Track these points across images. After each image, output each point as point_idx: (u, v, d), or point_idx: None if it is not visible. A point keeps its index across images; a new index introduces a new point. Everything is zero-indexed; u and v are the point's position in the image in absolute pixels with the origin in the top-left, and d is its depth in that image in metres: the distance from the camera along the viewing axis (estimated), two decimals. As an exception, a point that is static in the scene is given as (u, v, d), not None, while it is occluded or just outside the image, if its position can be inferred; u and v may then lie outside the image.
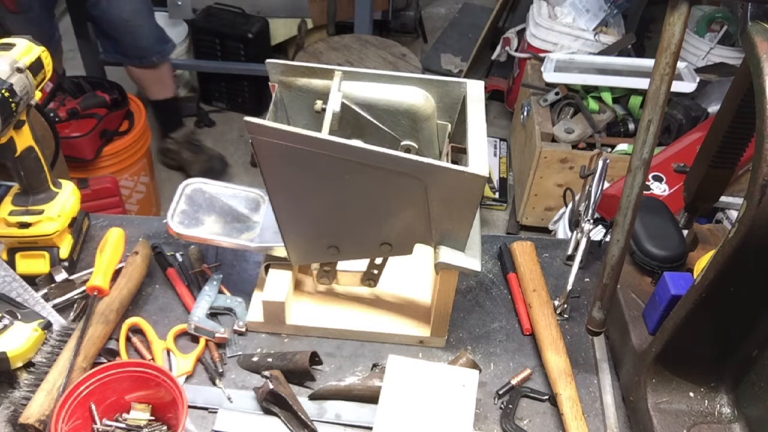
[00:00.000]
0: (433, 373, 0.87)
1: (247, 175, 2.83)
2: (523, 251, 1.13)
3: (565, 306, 1.07)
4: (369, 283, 1.06)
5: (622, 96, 2.51)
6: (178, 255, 1.12)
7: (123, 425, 0.86)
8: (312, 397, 0.94)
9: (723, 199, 1.03)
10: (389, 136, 0.97)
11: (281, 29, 3.14)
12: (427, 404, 0.84)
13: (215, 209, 1.06)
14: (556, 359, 0.96)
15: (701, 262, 1.00)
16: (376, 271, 1.05)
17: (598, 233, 1.18)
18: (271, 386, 0.90)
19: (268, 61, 0.95)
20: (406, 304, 1.06)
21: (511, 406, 0.94)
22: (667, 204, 1.09)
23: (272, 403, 0.91)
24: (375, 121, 0.96)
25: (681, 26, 0.69)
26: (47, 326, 0.94)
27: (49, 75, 1.00)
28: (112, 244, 1.03)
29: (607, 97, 2.48)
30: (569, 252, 1.16)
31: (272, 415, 0.91)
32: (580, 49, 2.78)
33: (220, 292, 1.06)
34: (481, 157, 0.84)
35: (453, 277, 0.93)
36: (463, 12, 4.07)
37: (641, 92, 2.46)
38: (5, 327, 0.90)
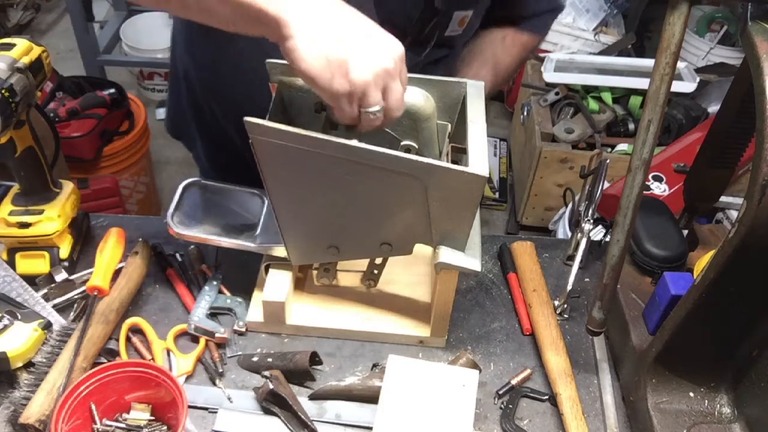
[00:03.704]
0: (433, 373, 0.87)
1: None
2: (523, 251, 1.13)
3: (565, 306, 1.07)
4: (369, 283, 1.06)
5: (622, 96, 2.51)
6: (178, 255, 1.12)
7: (123, 425, 0.86)
8: (312, 397, 0.94)
9: (723, 199, 1.03)
10: (389, 136, 0.97)
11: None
12: (427, 404, 0.84)
13: (215, 209, 1.06)
14: (556, 359, 0.96)
15: (701, 262, 1.00)
16: (376, 271, 1.05)
17: (598, 233, 1.18)
18: (271, 386, 0.90)
19: (268, 60, 0.94)
20: (406, 304, 1.06)
21: (511, 406, 0.94)
22: (667, 204, 1.09)
23: (272, 403, 0.91)
24: (375, 121, 0.96)
25: (681, 26, 0.69)
26: (47, 326, 0.94)
27: (49, 75, 1.00)
28: (112, 244, 1.03)
29: (607, 97, 2.48)
30: (569, 252, 1.16)
31: (272, 415, 0.91)
32: (580, 49, 2.78)
33: (220, 292, 1.06)
34: (481, 157, 0.84)
35: (453, 277, 0.93)
36: (463, 12, 4.06)
37: (641, 92, 2.46)
38: (5, 327, 0.90)
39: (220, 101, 1.21)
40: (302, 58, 0.69)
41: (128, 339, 0.98)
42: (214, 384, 0.95)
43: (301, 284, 1.08)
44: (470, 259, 0.89)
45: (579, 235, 1.09)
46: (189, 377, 0.96)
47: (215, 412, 0.91)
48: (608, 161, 1.10)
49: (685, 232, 1.07)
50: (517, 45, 1.31)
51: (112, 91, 2.27)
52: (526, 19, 1.32)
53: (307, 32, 0.69)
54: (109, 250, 1.02)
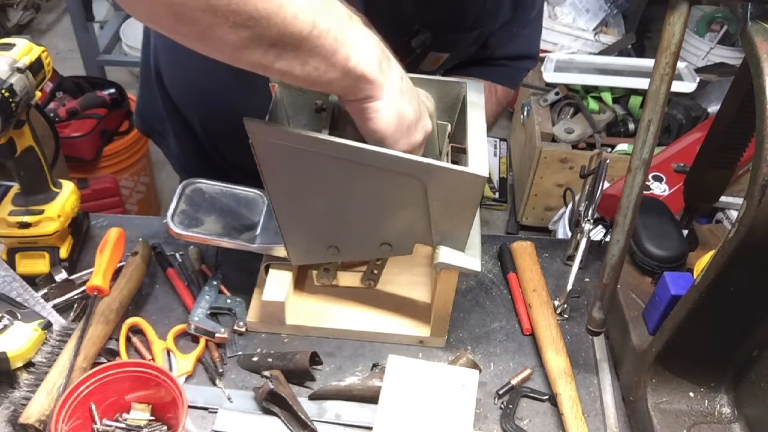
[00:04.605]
0: (433, 373, 0.87)
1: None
2: (523, 251, 1.13)
3: (565, 306, 1.07)
4: (369, 283, 1.06)
5: (622, 96, 2.52)
6: (178, 255, 1.12)
7: (123, 425, 0.86)
8: (312, 397, 0.94)
9: (723, 199, 1.03)
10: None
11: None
12: (427, 404, 0.84)
13: (215, 209, 1.06)
14: (556, 359, 0.96)
15: (701, 262, 1.00)
16: (376, 271, 1.05)
17: (598, 233, 1.17)
18: (271, 386, 0.90)
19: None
20: (406, 304, 1.06)
21: (511, 406, 0.94)
22: (667, 204, 1.09)
23: (272, 403, 0.91)
24: (375, 121, 0.96)
25: (681, 26, 0.69)
26: (47, 326, 0.94)
27: (49, 75, 1.00)
28: (112, 244, 1.03)
29: (607, 97, 2.48)
30: (569, 252, 1.16)
31: (272, 415, 0.91)
32: (580, 49, 2.78)
33: (220, 292, 1.06)
34: (481, 157, 0.84)
35: (453, 277, 0.93)
36: (463, 12, 4.05)
37: (641, 92, 2.46)
38: (5, 327, 0.90)
39: (202, 105, 1.22)
40: (382, 118, 0.76)
41: (128, 339, 0.98)
42: (214, 384, 0.95)
43: (301, 284, 1.08)
44: (470, 259, 0.89)
45: (579, 235, 1.09)
46: (189, 377, 0.96)
47: (215, 412, 0.91)
48: (608, 161, 1.10)
49: (685, 232, 1.07)
50: (492, 100, 1.33)
51: (112, 91, 2.27)
52: (499, 61, 1.32)
53: (391, 97, 0.75)
54: (109, 250, 1.02)
